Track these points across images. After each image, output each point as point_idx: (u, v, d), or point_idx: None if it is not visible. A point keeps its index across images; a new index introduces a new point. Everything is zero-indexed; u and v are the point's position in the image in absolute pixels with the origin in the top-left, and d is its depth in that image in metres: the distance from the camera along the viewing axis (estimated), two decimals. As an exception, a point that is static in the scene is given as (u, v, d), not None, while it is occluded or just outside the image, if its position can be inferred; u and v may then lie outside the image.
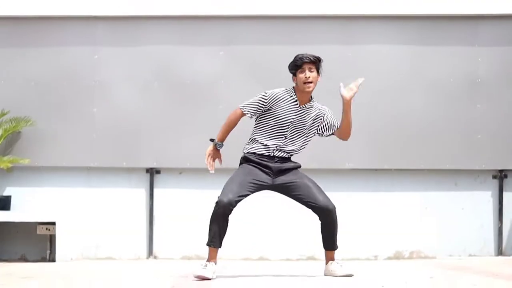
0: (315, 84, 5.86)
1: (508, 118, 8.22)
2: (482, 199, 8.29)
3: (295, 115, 5.85)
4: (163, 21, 8.32)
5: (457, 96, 8.23)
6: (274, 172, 5.93)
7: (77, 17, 8.33)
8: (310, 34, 8.30)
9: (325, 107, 5.97)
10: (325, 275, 6.03)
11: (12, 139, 8.29)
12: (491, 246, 8.27)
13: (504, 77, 8.25)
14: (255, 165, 5.96)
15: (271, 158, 5.92)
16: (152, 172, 8.30)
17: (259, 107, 5.92)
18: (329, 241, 6.06)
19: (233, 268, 7.05)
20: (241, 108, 5.97)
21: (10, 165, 8.07)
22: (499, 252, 8.24)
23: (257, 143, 6.00)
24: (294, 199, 6.02)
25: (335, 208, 5.91)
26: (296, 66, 5.88)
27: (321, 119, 5.91)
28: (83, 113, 8.29)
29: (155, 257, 8.28)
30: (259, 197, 8.26)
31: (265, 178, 5.95)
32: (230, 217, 8.44)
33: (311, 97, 5.93)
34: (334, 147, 8.19)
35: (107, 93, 8.30)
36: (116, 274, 6.54)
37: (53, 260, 7.87)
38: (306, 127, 5.89)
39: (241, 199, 5.95)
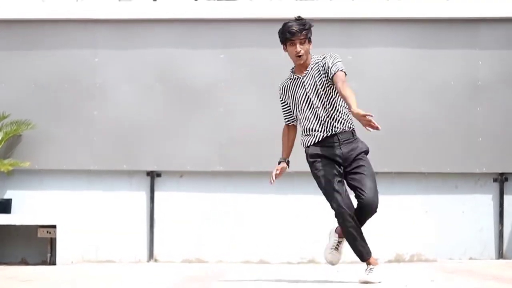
0: (308, 54, 5.66)
1: (509, 121, 8.22)
2: (483, 202, 8.29)
3: (304, 87, 5.65)
4: (164, 24, 8.32)
5: (458, 99, 8.23)
6: (343, 159, 5.61)
7: (77, 20, 8.34)
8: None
9: (324, 55, 5.70)
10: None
11: (13, 142, 8.29)
12: (492, 249, 8.26)
13: (505, 80, 8.25)
14: (322, 158, 5.64)
15: (331, 139, 5.60)
16: (153, 175, 8.30)
17: (286, 106, 5.81)
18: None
19: (234, 271, 7.05)
20: (285, 123, 5.88)
21: (10, 168, 8.07)
22: (500, 255, 8.23)
23: (305, 132, 5.71)
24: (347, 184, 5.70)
25: (375, 209, 5.63)
26: (284, 38, 5.66)
27: (324, 69, 5.67)
28: (84, 116, 8.29)
29: (155, 260, 8.28)
30: (259, 200, 8.28)
31: (339, 167, 5.62)
32: (230, 219, 8.48)
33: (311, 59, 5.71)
34: (335, 150, 8.19)
35: (107, 96, 8.30)
36: (117, 277, 6.55)
37: (54, 263, 7.87)
38: (321, 85, 5.62)
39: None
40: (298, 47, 5.62)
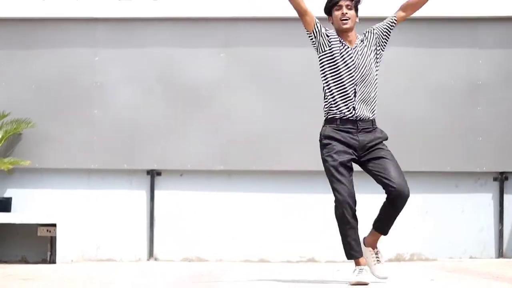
0: (353, 23, 5.44)
1: (509, 120, 8.22)
2: (483, 201, 8.29)
3: (351, 58, 5.41)
4: (164, 22, 8.32)
5: (458, 98, 8.23)
6: (359, 148, 5.41)
7: (77, 18, 8.33)
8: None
9: (367, 30, 5.50)
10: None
11: (13, 140, 8.29)
12: (492, 248, 8.26)
13: (505, 79, 8.24)
14: (336, 141, 5.42)
15: (354, 123, 5.41)
16: (153, 174, 8.30)
17: (316, 27, 5.55)
18: (383, 223, 5.59)
19: (234, 270, 7.05)
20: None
21: (11, 166, 8.08)
22: (500, 254, 8.23)
23: (331, 98, 5.48)
24: (370, 174, 5.51)
25: (407, 196, 5.41)
26: (331, 3, 5.49)
27: (377, 40, 5.49)
28: (84, 114, 8.29)
29: (155, 259, 8.28)
30: (259, 199, 8.27)
31: (352, 155, 5.40)
32: (230, 218, 8.46)
33: (357, 35, 5.49)
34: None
35: (107, 95, 8.30)
36: (117, 276, 6.54)
37: (54, 262, 7.87)
38: (370, 61, 5.43)
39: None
40: (345, 10, 5.45)
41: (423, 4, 5.71)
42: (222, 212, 8.29)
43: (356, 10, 5.52)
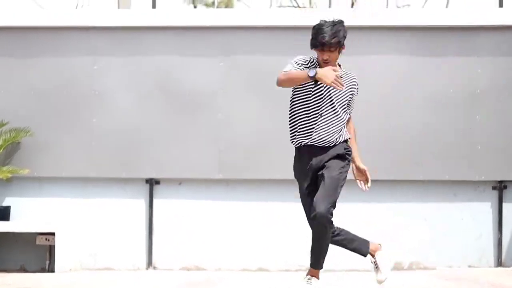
0: (335, 61, 5.53)
1: (508, 129, 8.22)
2: (482, 210, 8.28)
3: (328, 90, 5.48)
4: (163, 31, 8.33)
5: (457, 107, 8.23)
6: (314, 169, 5.60)
7: (76, 27, 8.34)
8: (309, 45, 8.28)
9: (354, 79, 5.61)
10: None
11: (12, 149, 8.29)
12: (491, 257, 8.25)
13: (504, 88, 8.25)
14: (300, 160, 5.68)
15: (314, 149, 5.55)
16: (152, 183, 8.30)
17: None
18: (314, 257, 5.61)
19: (232, 279, 7.05)
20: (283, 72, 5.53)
21: (9, 175, 8.07)
22: (499, 263, 8.23)
23: (300, 131, 5.57)
24: None
25: (329, 223, 5.42)
26: (313, 45, 5.54)
27: (350, 98, 5.58)
28: (82, 123, 8.29)
29: (154, 268, 8.27)
30: (258, 208, 8.27)
31: (310, 171, 5.63)
32: (229, 227, 8.46)
33: (339, 65, 5.59)
34: (334, 157, 8.18)
35: (106, 103, 8.30)
36: (115, 285, 6.54)
37: (52, 271, 7.85)
38: (344, 100, 5.53)
39: None
40: (326, 55, 5.49)
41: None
42: (221, 220, 8.29)
43: (341, 48, 5.54)
